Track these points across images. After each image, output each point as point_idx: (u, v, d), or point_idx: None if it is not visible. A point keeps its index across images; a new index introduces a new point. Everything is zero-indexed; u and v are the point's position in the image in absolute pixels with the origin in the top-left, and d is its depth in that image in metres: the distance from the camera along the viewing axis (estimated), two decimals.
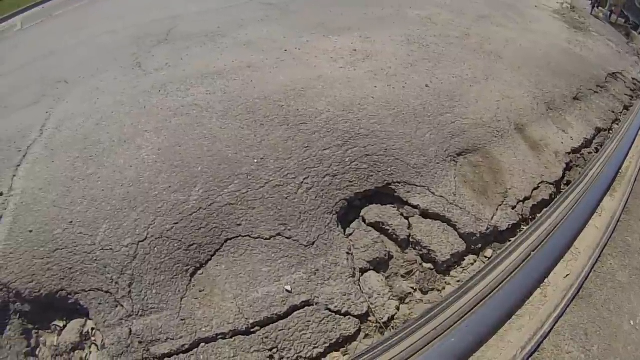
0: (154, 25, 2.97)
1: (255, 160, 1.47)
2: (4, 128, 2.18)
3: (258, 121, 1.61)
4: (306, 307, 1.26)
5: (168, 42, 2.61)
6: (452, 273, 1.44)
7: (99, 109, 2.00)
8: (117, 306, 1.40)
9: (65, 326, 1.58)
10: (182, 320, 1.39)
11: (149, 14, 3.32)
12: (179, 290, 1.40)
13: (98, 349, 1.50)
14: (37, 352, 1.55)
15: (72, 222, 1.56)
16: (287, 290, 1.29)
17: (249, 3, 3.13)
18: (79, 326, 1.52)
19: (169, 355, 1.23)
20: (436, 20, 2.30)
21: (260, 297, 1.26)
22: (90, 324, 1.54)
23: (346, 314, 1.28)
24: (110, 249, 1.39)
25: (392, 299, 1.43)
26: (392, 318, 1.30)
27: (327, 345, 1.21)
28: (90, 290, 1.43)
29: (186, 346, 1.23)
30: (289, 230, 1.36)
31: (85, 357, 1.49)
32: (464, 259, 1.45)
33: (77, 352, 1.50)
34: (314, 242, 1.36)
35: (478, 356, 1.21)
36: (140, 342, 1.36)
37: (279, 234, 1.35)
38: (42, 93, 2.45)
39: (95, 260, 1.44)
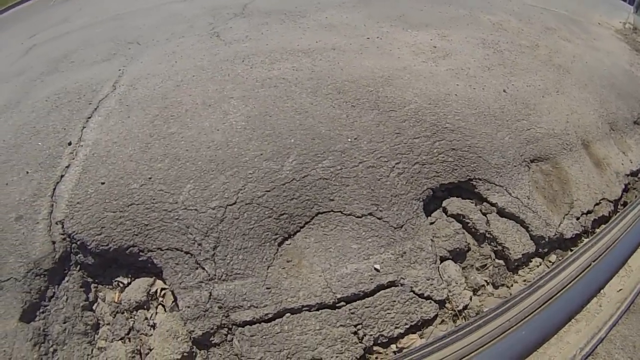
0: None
1: (349, 140, 1.53)
2: (73, 81, 2.26)
3: (349, 102, 1.68)
4: (392, 287, 1.33)
5: (245, 17, 2.68)
6: (519, 272, 1.55)
7: (178, 72, 2.07)
8: (197, 268, 1.39)
9: (129, 284, 1.57)
10: (267, 288, 1.41)
11: None
12: (266, 259, 1.40)
13: (165, 311, 1.51)
14: (94, 307, 1.53)
15: (151, 178, 1.55)
16: (375, 269, 1.36)
17: None
18: (147, 285, 1.52)
19: (251, 323, 1.27)
20: (506, 27, 2.43)
21: (348, 272, 1.32)
22: (159, 283, 1.54)
23: (428, 297, 1.35)
24: (195, 209, 1.41)
25: (466, 289, 1.53)
26: (465, 307, 1.40)
27: (407, 326, 1.28)
28: (167, 250, 1.42)
29: (270, 315, 1.27)
30: (380, 211, 1.42)
31: (150, 317, 1.49)
32: (531, 261, 1.55)
33: (140, 311, 1.50)
34: (402, 226, 1.42)
35: (541, 352, 1.30)
36: (220, 308, 1.37)
37: (370, 214, 1.42)
38: (113, 52, 2.53)
39: (177, 219, 1.43)
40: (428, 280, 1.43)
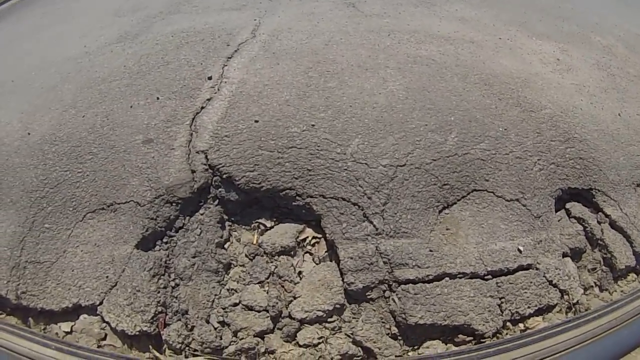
0: None
1: (500, 129, 1.73)
2: (202, 23, 2.44)
3: (495, 95, 1.88)
4: (530, 270, 1.54)
5: None
6: (618, 282, 1.97)
7: (323, 32, 2.24)
8: (364, 221, 1.50)
9: (271, 227, 1.65)
10: (430, 251, 1.57)
11: None
12: (429, 223, 1.55)
13: (314, 260, 1.61)
14: (226, 246, 1.59)
15: (314, 125, 1.65)
16: (519, 250, 1.57)
17: None
18: (295, 231, 1.57)
19: (414, 282, 1.43)
20: (615, 52, 2.67)
21: (497, 249, 1.53)
22: (308, 231, 1.64)
23: (554, 285, 1.59)
24: (365, 164, 1.54)
25: (579, 287, 1.92)
26: (576, 302, 1.69)
27: (536, 308, 1.49)
28: (332, 198, 1.51)
29: (431, 277, 1.43)
30: (525, 199, 1.62)
31: (297, 264, 1.59)
32: (629, 274, 1.82)
33: (283, 257, 1.58)
34: (540, 216, 1.64)
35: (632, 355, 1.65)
36: (385, 263, 1.49)
37: (517, 200, 1.63)
38: (242, 3, 2.72)
39: (345, 170, 1.54)
40: (556, 269, 1.67)
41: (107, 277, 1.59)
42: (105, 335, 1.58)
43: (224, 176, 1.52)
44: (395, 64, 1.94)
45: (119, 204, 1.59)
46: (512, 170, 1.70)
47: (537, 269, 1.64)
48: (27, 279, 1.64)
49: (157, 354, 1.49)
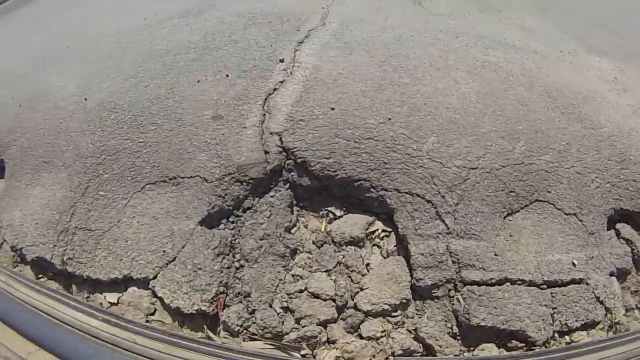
0: None
1: (564, 143, 1.82)
2: (270, 5, 2.52)
3: (558, 108, 1.96)
4: (581, 284, 1.65)
5: None
6: None
7: (393, 27, 2.32)
8: (436, 219, 1.57)
9: (340, 217, 1.71)
10: (495, 255, 1.66)
11: None
12: (495, 227, 1.64)
13: (382, 253, 1.68)
14: (293, 231, 1.65)
15: (391, 119, 1.70)
16: (573, 263, 1.71)
17: None
18: (365, 222, 1.63)
19: (478, 283, 1.51)
20: None
21: (554, 260, 1.62)
22: (378, 224, 1.71)
23: (601, 302, 1.79)
24: (440, 162, 1.60)
25: (622, 307, 2.07)
26: (618, 322, 1.93)
27: (582, 322, 1.58)
28: (406, 193, 1.57)
29: (494, 280, 1.52)
30: (582, 214, 1.71)
31: (364, 255, 1.66)
32: None
33: (351, 247, 1.65)
34: (594, 233, 1.73)
35: None
36: (453, 262, 1.56)
37: (574, 214, 1.71)
38: None
39: (421, 166, 1.59)
40: (604, 287, 1.79)
41: (164, 251, 1.63)
42: (155, 310, 1.62)
43: (298, 160, 1.57)
44: (465, 66, 2.02)
45: (182, 178, 1.62)
46: (572, 184, 1.81)
47: (587, 284, 1.75)
48: (76, 245, 1.67)
49: (212, 334, 1.55)
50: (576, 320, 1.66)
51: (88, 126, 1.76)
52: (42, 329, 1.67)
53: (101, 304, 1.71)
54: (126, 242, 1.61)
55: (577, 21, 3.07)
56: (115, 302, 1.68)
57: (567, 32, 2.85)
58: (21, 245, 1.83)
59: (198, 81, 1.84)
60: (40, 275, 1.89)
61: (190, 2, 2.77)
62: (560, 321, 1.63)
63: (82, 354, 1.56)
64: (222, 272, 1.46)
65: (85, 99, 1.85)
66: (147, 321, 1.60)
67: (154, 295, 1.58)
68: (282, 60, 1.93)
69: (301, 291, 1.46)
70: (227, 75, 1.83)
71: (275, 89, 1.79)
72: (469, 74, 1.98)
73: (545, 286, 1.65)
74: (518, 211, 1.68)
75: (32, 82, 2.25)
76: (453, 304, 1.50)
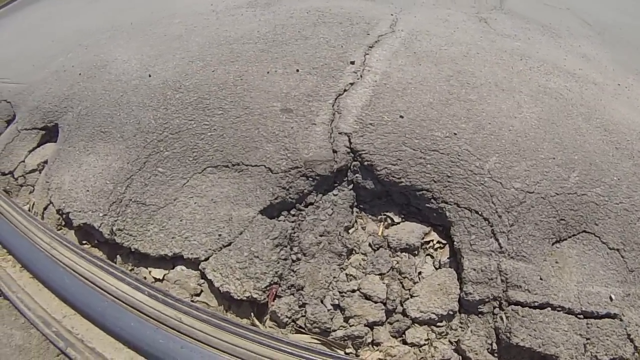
0: None
1: (615, 178, 1.88)
2: (338, 6, 2.59)
3: (613, 143, 2.01)
4: (615, 319, 1.78)
5: (505, 13, 3.10)
6: None
7: (460, 42, 2.39)
8: (491, 237, 1.64)
9: (398, 223, 1.78)
10: (540, 279, 1.74)
11: None
12: (544, 252, 1.72)
13: (434, 264, 1.76)
14: (350, 231, 1.72)
15: (456, 134, 1.74)
16: (610, 298, 1.84)
17: (567, 13, 3.66)
18: (421, 232, 1.71)
19: (522, 304, 1.57)
20: None
21: (593, 292, 1.69)
22: (434, 235, 1.78)
23: (631, 340, 1.87)
24: (500, 182, 1.65)
25: None
26: None
27: (611, 357, 1.63)
28: (465, 208, 1.62)
29: (537, 303, 1.58)
30: (625, 251, 1.76)
31: (418, 263, 1.73)
32: None
33: (405, 254, 1.72)
34: (633, 271, 1.77)
35: None
36: (502, 281, 1.64)
37: (617, 250, 1.76)
38: None
39: (482, 184, 1.65)
40: (636, 325, 1.92)
41: (219, 235, 1.69)
42: (201, 291, 1.68)
43: (365, 163, 1.61)
44: (528, 90, 2.07)
45: (247, 165, 1.67)
46: (619, 220, 1.88)
47: (621, 320, 1.83)
48: (128, 217, 1.72)
49: (258, 322, 1.62)
50: (606, 354, 1.74)
51: (151, 102, 1.80)
52: (82, 295, 1.72)
53: (145, 278, 1.78)
54: (181, 221, 1.67)
55: (636, 52, 3.13)
56: (161, 278, 1.74)
57: (626, 64, 2.90)
58: (68, 209, 1.88)
59: (267, 72, 1.89)
60: (84, 242, 1.95)
61: None
62: (591, 352, 1.71)
63: (123, 324, 1.61)
64: (278, 262, 1.52)
65: (150, 75, 1.90)
66: (192, 301, 1.67)
67: (202, 276, 1.64)
68: (352, 62, 1.99)
69: (353, 291, 1.53)
70: (297, 70, 1.88)
71: (345, 90, 1.84)
72: (532, 98, 2.03)
73: (582, 316, 1.73)
74: (565, 239, 1.76)
75: (93, 54, 2.31)
76: (496, 322, 1.57)
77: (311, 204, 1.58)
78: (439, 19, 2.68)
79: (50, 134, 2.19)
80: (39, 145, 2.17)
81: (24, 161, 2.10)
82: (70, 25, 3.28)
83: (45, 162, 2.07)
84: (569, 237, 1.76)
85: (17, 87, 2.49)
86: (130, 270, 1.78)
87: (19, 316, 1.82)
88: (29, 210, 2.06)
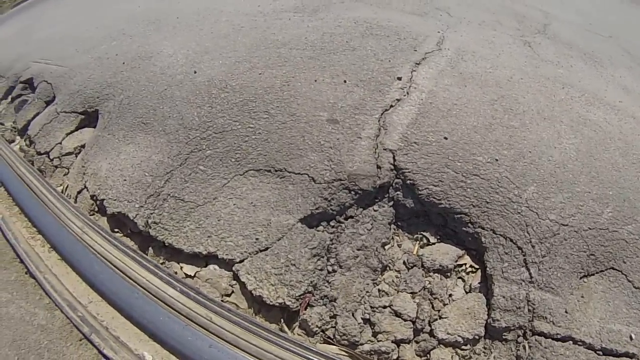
0: (530, 11, 3.62)
1: None
2: (385, 18, 2.58)
3: None
4: (632, 359, 1.97)
5: (548, 38, 3.10)
6: None
7: (504, 66, 2.39)
8: (523, 266, 1.68)
9: (433, 244, 1.82)
10: (565, 312, 1.78)
11: None
12: (571, 286, 1.77)
13: (465, 288, 1.81)
14: (386, 247, 1.76)
15: (498, 160, 1.76)
16: (630, 337, 1.94)
17: (610, 41, 3.65)
18: (455, 255, 1.74)
19: (546, 335, 1.60)
20: None
21: (614, 330, 1.74)
22: (467, 259, 1.82)
23: None
24: (536, 212, 1.67)
25: None
26: None
27: None
28: (501, 236, 1.64)
29: (559, 336, 1.62)
30: None
31: (449, 285, 1.78)
32: None
33: (437, 275, 1.76)
34: None
35: None
36: (529, 311, 1.70)
37: None
38: (423, 10, 2.94)
39: (519, 213, 1.68)
40: None
41: (257, 239, 1.72)
42: (232, 292, 1.73)
43: (407, 181, 1.63)
44: (568, 120, 2.08)
45: (290, 172, 1.70)
46: None
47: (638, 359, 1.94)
48: (164, 211, 1.75)
49: (287, 329, 1.67)
50: None
51: (195, 99, 1.82)
52: (111, 283, 1.75)
53: (176, 273, 1.82)
54: (218, 220, 1.71)
55: None
56: (192, 275, 1.77)
57: None
58: (103, 196, 1.92)
59: (315, 80, 1.90)
60: (117, 230, 1.99)
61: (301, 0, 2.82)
62: None
63: (151, 317, 1.64)
64: (314, 272, 1.56)
65: (195, 72, 1.91)
66: (222, 301, 1.71)
67: (235, 277, 1.67)
68: (399, 78, 2.00)
69: (385, 307, 1.56)
70: (345, 81, 1.88)
71: (391, 106, 1.85)
72: (572, 129, 2.03)
73: (601, 352, 1.76)
74: (593, 274, 1.79)
75: (138, 44, 2.32)
76: (518, 350, 1.61)
77: (351, 217, 1.61)
78: (484, 40, 2.68)
79: (89, 119, 2.22)
80: (77, 129, 2.20)
81: (60, 143, 2.13)
82: (116, 13, 3.28)
83: (83, 146, 2.10)
84: (597, 272, 1.78)
85: (59, 69, 2.51)
86: (162, 263, 1.82)
87: (44, 296, 1.86)
88: (62, 192, 2.10)
